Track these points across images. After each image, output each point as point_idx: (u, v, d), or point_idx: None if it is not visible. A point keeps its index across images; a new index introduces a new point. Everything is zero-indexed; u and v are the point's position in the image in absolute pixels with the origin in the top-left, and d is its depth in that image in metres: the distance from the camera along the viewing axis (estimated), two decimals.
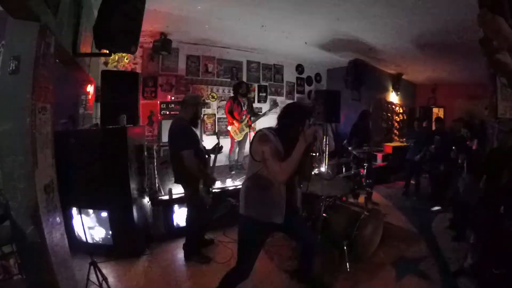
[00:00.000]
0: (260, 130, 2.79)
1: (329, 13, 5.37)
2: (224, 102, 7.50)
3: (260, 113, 7.13)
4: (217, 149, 4.27)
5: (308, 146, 2.50)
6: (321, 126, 7.06)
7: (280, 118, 2.83)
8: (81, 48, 3.77)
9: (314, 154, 2.84)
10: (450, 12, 4.77)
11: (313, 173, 2.98)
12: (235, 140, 6.74)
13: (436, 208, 6.23)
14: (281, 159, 2.53)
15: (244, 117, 6.62)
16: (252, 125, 6.76)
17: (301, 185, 3.25)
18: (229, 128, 6.68)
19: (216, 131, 7.82)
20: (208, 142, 5.21)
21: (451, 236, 4.80)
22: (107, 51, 3.60)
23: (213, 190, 4.28)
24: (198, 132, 4.23)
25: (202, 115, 4.08)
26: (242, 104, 6.65)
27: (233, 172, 6.57)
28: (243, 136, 6.67)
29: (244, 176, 2.99)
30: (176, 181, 4.12)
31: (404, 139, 10.03)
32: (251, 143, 2.77)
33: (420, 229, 5.24)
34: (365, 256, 4.13)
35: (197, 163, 3.77)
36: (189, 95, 4.01)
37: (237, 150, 6.84)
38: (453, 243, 4.61)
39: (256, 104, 8.58)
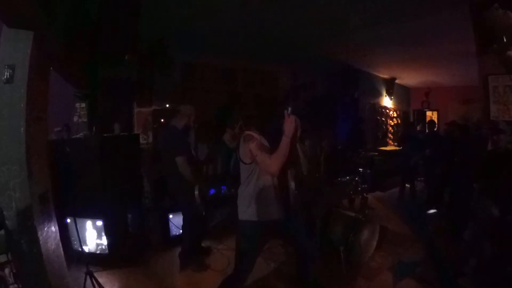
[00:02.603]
0: (245, 132, 2.83)
1: (323, 20, 5.41)
2: None
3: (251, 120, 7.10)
4: (209, 158, 4.27)
5: (293, 136, 2.56)
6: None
7: (258, 118, 2.87)
8: (76, 56, 3.77)
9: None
10: (441, 16, 4.83)
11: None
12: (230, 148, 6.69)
13: (432, 211, 6.25)
14: (270, 153, 2.58)
15: (235, 124, 6.57)
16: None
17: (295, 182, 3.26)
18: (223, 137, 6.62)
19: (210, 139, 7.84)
20: (201, 150, 5.22)
21: (449, 239, 4.81)
22: (102, 59, 3.60)
23: (208, 198, 4.27)
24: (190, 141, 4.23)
25: (194, 125, 4.13)
26: (233, 112, 6.62)
27: (228, 180, 6.49)
28: (236, 143, 6.60)
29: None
30: (171, 189, 4.12)
31: (396, 143, 10.10)
32: (239, 148, 2.80)
33: (416, 232, 5.25)
34: (362, 261, 4.13)
35: (191, 169, 3.77)
36: (183, 105, 4.04)
37: (233, 157, 6.79)
38: (450, 246, 4.61)
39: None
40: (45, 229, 2.64)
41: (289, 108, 2.58)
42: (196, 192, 3.85)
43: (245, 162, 2.71)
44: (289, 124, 2.52)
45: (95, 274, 3.18)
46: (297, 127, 2.61)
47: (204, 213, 4.04)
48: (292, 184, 3.00)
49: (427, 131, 7.89)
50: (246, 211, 2.78)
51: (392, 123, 11.21)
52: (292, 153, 2.67)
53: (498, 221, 3.33)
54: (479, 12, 3.40)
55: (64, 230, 3.84)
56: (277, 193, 2.76)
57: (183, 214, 4.24)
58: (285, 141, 2.53)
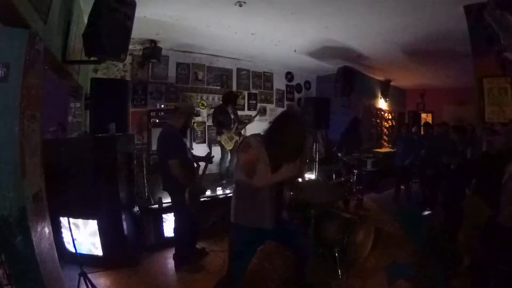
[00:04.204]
0: (245, 137, 2.80)
1: (318, 22, 5.42)
2: None
3: (246, 121, 7.09)
4: (208, 158, 4.24)
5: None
6: (310, 133, 7.16)
7: (272, 125, 2.83)
8: (71, 55, 3.75)
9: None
10: (436, 19, 4.85)
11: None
12: (226, 149, 6.66)
13: (427, 212, 6.27)
14: (255, 169, 2.53)
15: (232, 125, 6.58)
16: (242, 132, 6.75)
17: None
18: (219, 138, 6.61)
19: (207, 139, 7.88)
20: (198, 150, 5.20)
21: (443, 239, 4.83)
22: (97, 59, 3.59)
23: (202, 199, 4.25)
24: (187, 141, 4.21)
25: (192, 124, 4.10)
26: (230, 112, 6.62)
27: (224, 181, 6.47)
28: (233, 144, 6.59)
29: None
30: (164, 189, 4.10)
31: (391, 144, 10.12)
32: (237, 151, 2.79)
33: (411, 233, 5.25)
34: (357, 262, 4.13)
35: (184, 172, 3.74)
36: (181, 103, 4.02)
37: (228, 158, 6.76)
38: (444, 246, 4.63)
39: (246, 112, 8.61)
40: (39, 229, 2.62)
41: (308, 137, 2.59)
42: (187, 195, 3.82)
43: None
44: (296, 167, 2.54)
45: (89, 275, 3.17)
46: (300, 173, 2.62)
47: (195, 216, 4.01)
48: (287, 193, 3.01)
49: (422, 133, 7.93)
50: (238, 214, 2.76)
51: (387, 125, 11.25)
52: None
53: (491, 221, 3.34)
54: (475, 14, 3.42)
55: (57, 230, 3.81)
56: (272, 202, 2.74)
57: (175, 216, 4.22)
58: (282, 174, 2.53)
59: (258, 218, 2.70)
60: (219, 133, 6.62)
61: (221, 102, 6.97)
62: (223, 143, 6.55)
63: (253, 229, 2.70)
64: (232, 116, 6.62)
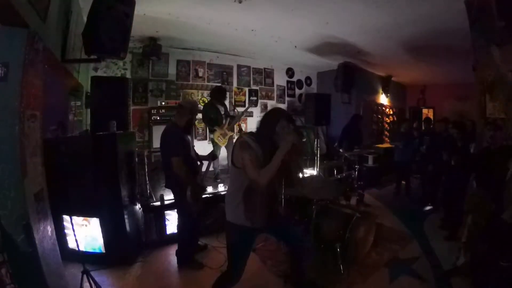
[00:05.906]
0: (241, 137, 2.80)
1: (318, 18, 5.41)
2: None
3: (236, 114, 6.73)
4: (213, 155, 4.25)
5: (288, 153, 2.52)
6: (307, 129, 7.14)
7: (259, 124, 2.84)
8: (70, 54, 3.75)
9: (301, 158, 2.85)
10: (436, 15, 4.84)
11: (301, 176, 2.98)
12: (220, 146, 6.46)
13: (428, 207, 6.27)
14: (260, 166, 2.54)
15: (224, 121, 6.36)
16: (235, 127, 6.57)
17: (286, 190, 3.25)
18: (212, 135, 6.41)
19: (209, 136, 7.82)
20: (200, 147, 5.18)
21: (443, 236, 4.84)
22: (96, 57, 3.59)
23: (204, 196, 4.25)
24: (190, 138, 4.20)
25: (195, 121, 4.09)
26: (219, 108, 6.38)
27: (218, 180, 6.33)
28: (227, 141, 6.40)
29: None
30: (167, 187, 4.10)
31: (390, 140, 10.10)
32: (232, 150, 2.77)
33: (412, 229, 5.26)
34: (358, 258, 4.14)
35: (186, 170, 3.73)
36: (185, 101, 3.97)
37: (220, 154, 6.58)
38: (445, 242, 4.64)
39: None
40: (41, 228, 2.63)
41: (291, 125, 2.58)
42: (188, 193, 3.82)
43: (237, 166, 2.69)
44: (288, 141, 2.50)
45: (92, 273, 3.18)
46: (297, 145, 2.59)
47: (196, 214, 4.01)
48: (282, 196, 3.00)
49: (423, 128, 7.91)
50: (231, 213, 2.78)
51: (388, 120, 11.23)
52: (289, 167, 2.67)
53: (493, 218, 3.34)
54: (475, 9, 3.40)
55: (60, 229, 3.82)
56: (263, 202, 2.74)
57: (177, 213, 4.23)
58: (278, 157, 2.49)
59: (251, 217, 2.70)
60: (211, 131, 6.38)
61: (209, 99, 6.82)
62: (216, 140, 6.31)
63: (245, 227, 2.71)
64: (223, 112, 6.41)
